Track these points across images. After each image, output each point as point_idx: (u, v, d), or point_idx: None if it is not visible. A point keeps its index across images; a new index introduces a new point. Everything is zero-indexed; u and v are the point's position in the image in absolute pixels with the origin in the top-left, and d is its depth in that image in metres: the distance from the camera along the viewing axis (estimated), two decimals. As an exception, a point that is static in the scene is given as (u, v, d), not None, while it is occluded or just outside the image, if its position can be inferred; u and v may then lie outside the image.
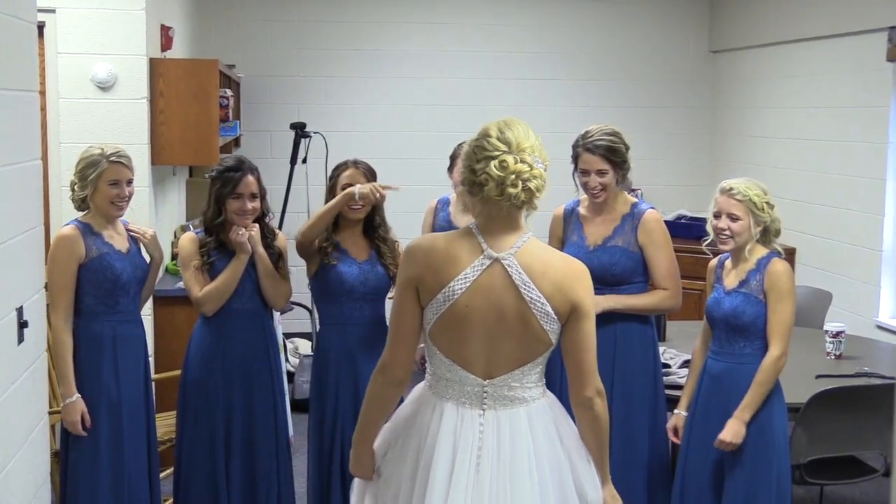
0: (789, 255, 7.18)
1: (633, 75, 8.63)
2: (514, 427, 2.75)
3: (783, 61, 7.58)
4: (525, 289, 2.69)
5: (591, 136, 3.93)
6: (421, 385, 2.92)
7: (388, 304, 4.14)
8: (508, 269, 2.71)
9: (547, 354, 2.80)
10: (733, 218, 3.64)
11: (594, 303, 2.86)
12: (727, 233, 3.66)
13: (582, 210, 4.08)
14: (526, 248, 2.75)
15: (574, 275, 2.77)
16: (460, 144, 4.38)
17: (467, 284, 2.70)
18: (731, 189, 3.65)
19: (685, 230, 7.56)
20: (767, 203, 3.67)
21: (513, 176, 2.68)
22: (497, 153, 2.70)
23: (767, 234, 3.71)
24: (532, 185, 2.70)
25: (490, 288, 2.71)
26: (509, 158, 2.69)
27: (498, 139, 2.71)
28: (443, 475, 2.70)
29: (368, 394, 2.86)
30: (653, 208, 4.03)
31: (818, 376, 4.33)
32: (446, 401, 2.78)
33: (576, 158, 3.98)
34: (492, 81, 8.45)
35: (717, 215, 3.70)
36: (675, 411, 3.92)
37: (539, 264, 2.73)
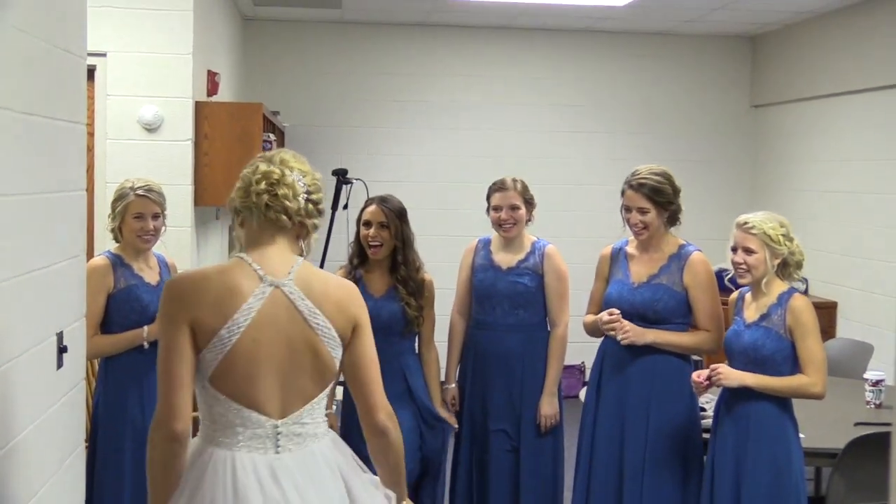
0: (830, 308, 7.11)
1: (675, 129, 8.66)
2: (312, 472, 2.51)
3: (824, 115, 7.57)
4: (310, 315, 2.51)
5: (637, 175, 4.01)
6: (196, 441, 2.57)
7: (402, 339, 4.17)
8: (290, 296, 2.51)
9: (333, 384, 2.67)
10: (749, 251, 3.64)
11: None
12: (743, 266, 3.65)
13: (630, 249, 4.13)
14: (301, 272, 2.56)
15: (349, 294, 2.63)
16: (495, 182, 4.44)
17: (252, 316, 2.46)
18: (745, 223, 3.66)
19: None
20: (784, 235, 3.64)
21: (259, 176, 2.54)
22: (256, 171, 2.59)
23: (787, 267, 3.68)
24: (280, 191, 2.53)
25: (275, 318, 2.48)
26: (262, 164, 2.58)
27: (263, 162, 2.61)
28: None
29: (148, 460, 2.46)
30: (699, 251, 4.05)
31: (857, 423, 4.27)
32: (237, 450, 2.47)
33: (622, 195, 4.04)
34: (534, 133, 8.52)
35: (734, 249, 3.70)
36: None
37: (319, 287, 2.56)
